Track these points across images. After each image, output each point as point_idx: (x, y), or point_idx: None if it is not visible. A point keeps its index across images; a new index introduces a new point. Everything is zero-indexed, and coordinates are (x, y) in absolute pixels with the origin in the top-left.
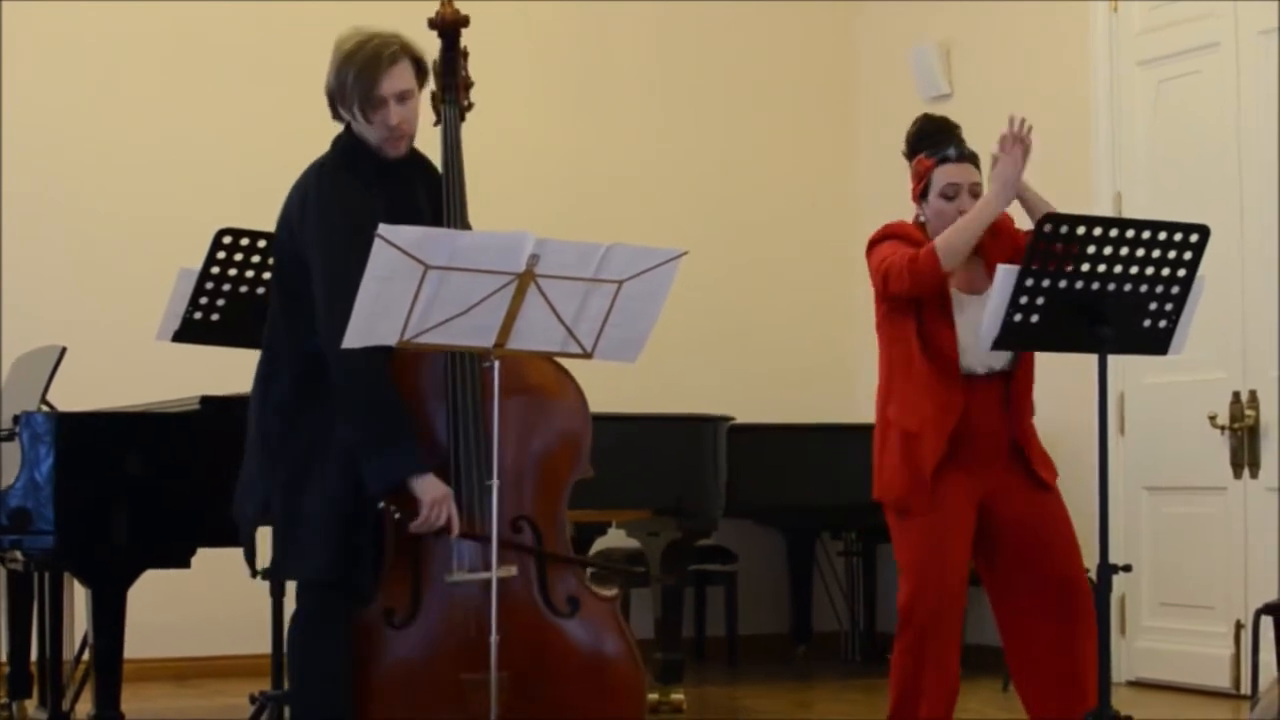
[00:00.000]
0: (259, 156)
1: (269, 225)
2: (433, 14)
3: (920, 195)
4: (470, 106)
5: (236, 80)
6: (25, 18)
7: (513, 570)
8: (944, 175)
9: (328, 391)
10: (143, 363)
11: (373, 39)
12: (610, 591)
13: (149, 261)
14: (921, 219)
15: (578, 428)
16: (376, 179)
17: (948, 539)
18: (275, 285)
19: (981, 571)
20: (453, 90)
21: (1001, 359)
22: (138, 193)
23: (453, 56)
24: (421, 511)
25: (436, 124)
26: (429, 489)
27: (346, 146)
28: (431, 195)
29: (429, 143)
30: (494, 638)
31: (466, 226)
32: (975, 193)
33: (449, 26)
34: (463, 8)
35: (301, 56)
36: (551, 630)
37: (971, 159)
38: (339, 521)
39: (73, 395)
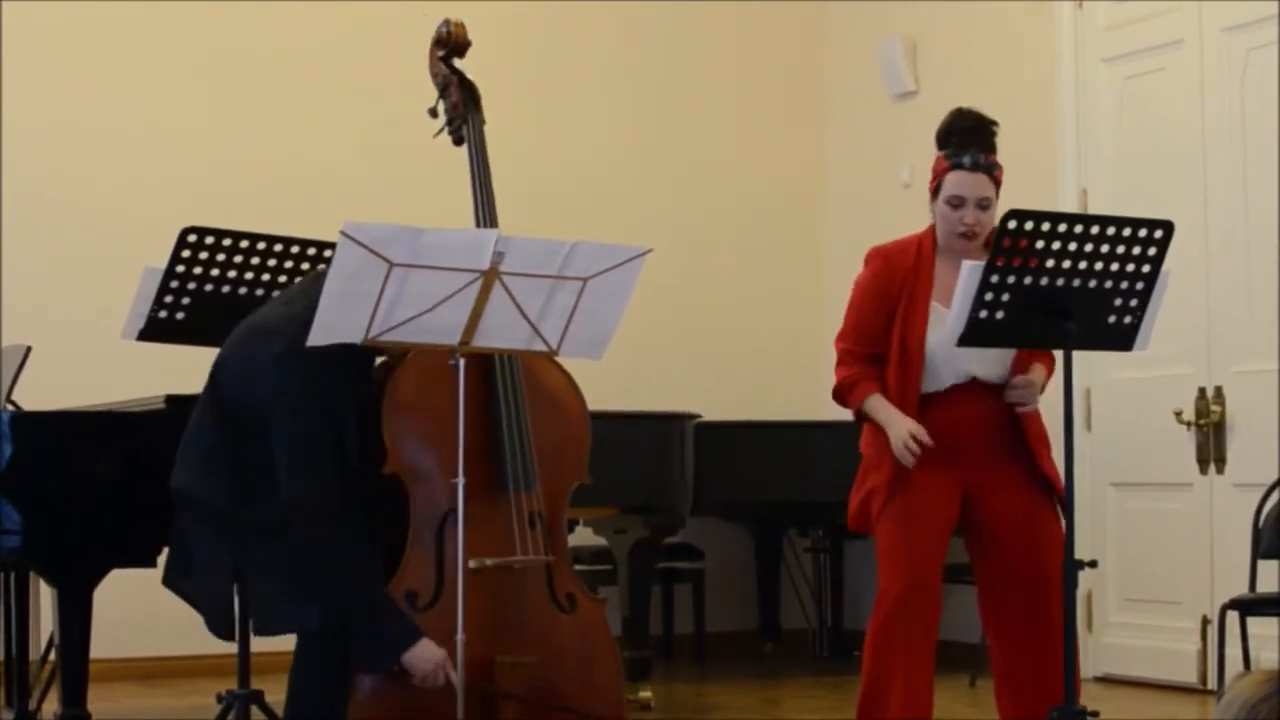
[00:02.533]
0: (225, 154)
1: (235, 223)
2: (441, 31)
3: (934, 194)
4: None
5: (203, 77)
6: None
7: (548, 558)
8: (952, 184)
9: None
10: (108, 362)
11: None
12: (601, 596)
13: (114, 260)
14: (932, 219)
15: (583, 435)
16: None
17: (922, 525)
18: (214, 407)
19: (972, 562)
20: (473, 106)
21: (992, 369)
22: (103, 190)
23: (462, 73)
24: (415, 679)
25: (437, 135)
26: (421, 661)
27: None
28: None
29: (435, 152)
30: (460, 636)
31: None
32: (983, 205)
33: (459, 51)
34: (426, 5)
35: (272, 55)
36: (553, 622)
37: (986, 169)
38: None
39: (38, 394)
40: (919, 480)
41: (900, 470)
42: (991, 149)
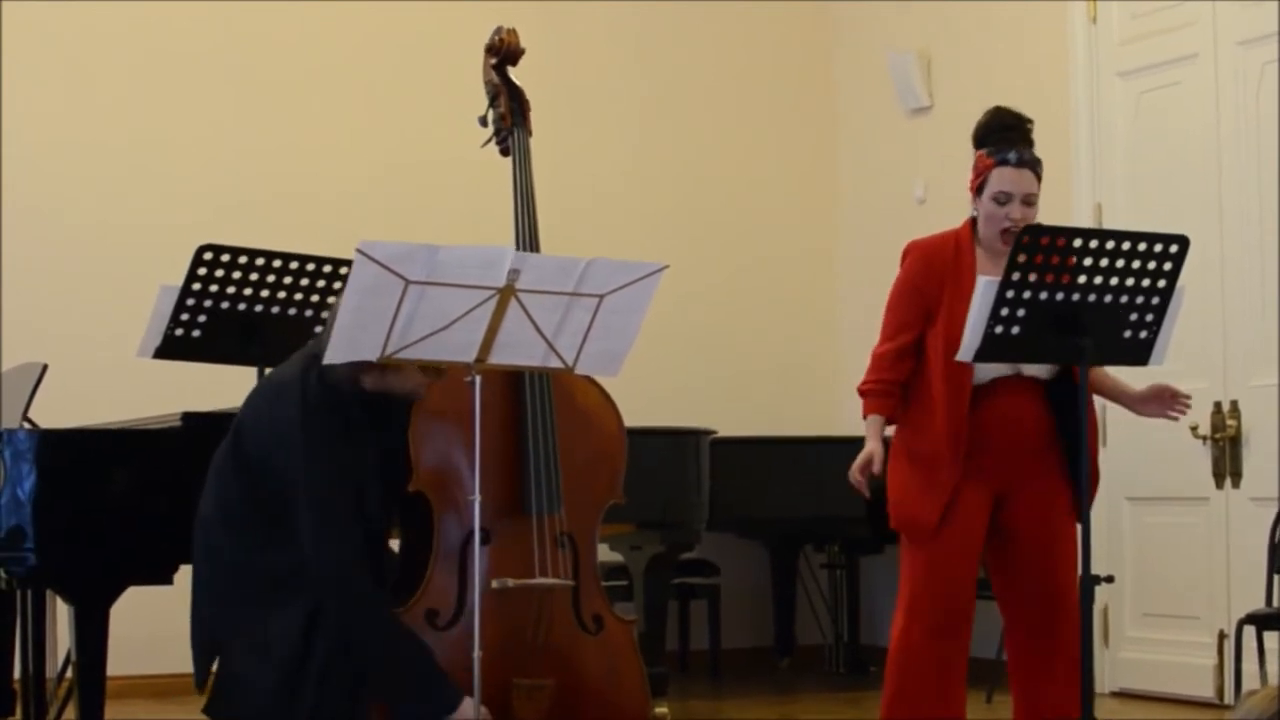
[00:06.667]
0: (241, 171)
1: (251, 240)
2: (494, 39)
3: (976, 191)
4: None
5: (218, 93)
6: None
7: (570, 582)
8: (999, 180)
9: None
10: (124, 379)
11: None
12: (630, 616)
13: (130, 278)
14: (974, 214)
15: (618, 454)
16: (355, 416)
17: (959, 551)
18: (235, 473)
19: (989, 566)
20: (520, 118)
21: (1033, 365)
22: (118, 208)
23: (513, 83)
24: None
25: (485, 145)
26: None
27: (328, 388)
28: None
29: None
30: (477, 653)
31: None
32: (1028, 202)
33: (511, 59)
34: (425, 13)
35: (284, 65)
36: (577, 643)
37: (1031, 165)
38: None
39: (54, 412)
40: (960, 503)
41: (956, 481)
42: (1031, 145)
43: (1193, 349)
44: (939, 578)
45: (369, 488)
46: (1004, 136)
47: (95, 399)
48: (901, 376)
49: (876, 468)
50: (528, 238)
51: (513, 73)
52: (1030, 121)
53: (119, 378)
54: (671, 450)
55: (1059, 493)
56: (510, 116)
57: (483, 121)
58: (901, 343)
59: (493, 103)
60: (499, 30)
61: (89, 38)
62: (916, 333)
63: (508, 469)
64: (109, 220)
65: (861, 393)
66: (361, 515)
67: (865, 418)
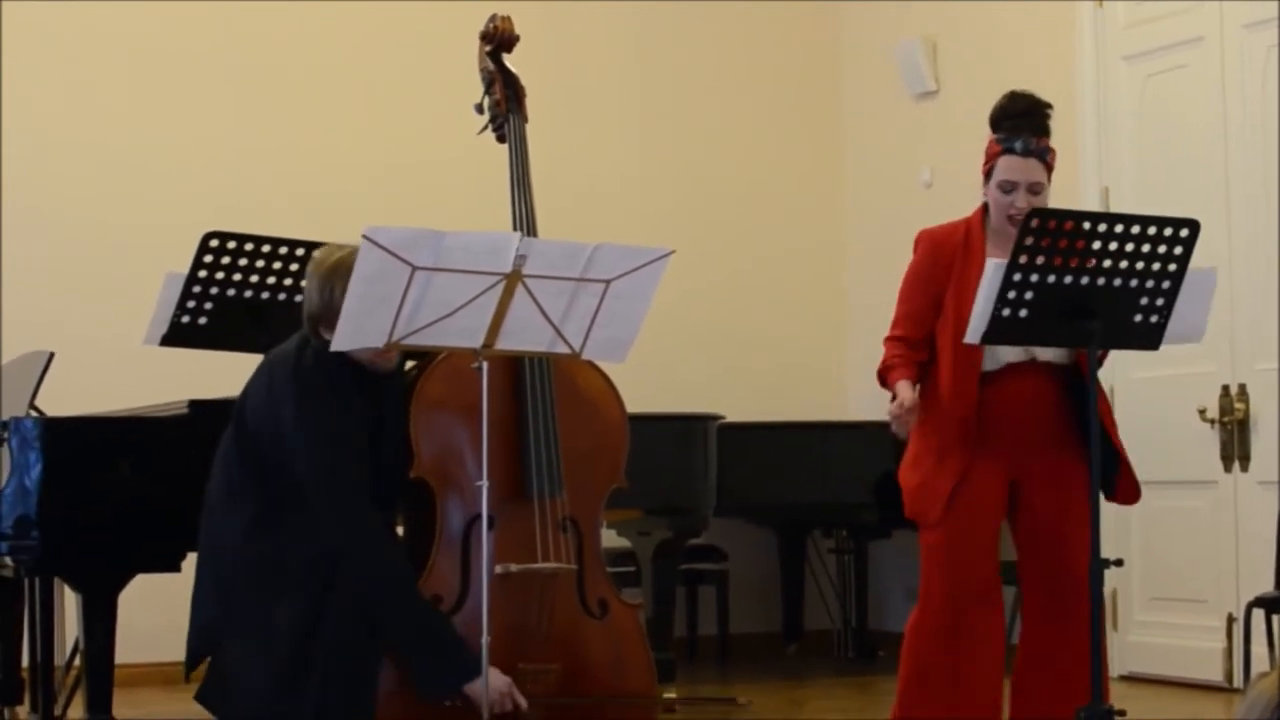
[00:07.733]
0: (244, 160)
1: (254, 228)
2: (488, 26)
3: (987, 176)
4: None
5: (221, 84)
6: (9, 22)
7: (572, 566)
8: (1005, 168)
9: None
10: (131, 367)
11: (349, 253)
12: (636, 601)
13: (136, 266)
14: (985, 199)
15: (619, 439)
16: (348, 390)
17: (969, 531)
18: (238, 454)
19: (1015, 544)
20: (516, 105)
21: (1048, 351)
22: (124, 197)
23: (508, 70)
24: (483, 712)
25: (481, 132)
26: (481, 692)
27: (325, 362)
28: (394, 394)
29: (475, 151)
30: (485, 639)
31: (535, 233)
32: (1035, 190)
33: (506, 46)
34: (425, 12)
35: (285, 61)
36: (582, 627)
37: (1038, 154)
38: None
39: (61, 400)
40: (975, 481)
41: (965, 466)
42: (1045, 132)
43: None
44: (951, 560)
45: (362, 459)
46: (1016, 124)
47: (102, 387)
48: (922, 357)
49: (909, 400)
50: (525, 222)
51: (509, 60)
52: (1048, 106)
53: (125, 366)
54: (679, 436)
55: (1075, 475)
56: (505, 103)
57: (479, 108)
58: (913, 333)
59: (488, 89)
60: (493, 18)
61: (89, 38)
62: (928, 328)
63: (509, 454)
64: (110, 220)
65: (885, 369)
66: (364, 482)
67: (894, 385)
